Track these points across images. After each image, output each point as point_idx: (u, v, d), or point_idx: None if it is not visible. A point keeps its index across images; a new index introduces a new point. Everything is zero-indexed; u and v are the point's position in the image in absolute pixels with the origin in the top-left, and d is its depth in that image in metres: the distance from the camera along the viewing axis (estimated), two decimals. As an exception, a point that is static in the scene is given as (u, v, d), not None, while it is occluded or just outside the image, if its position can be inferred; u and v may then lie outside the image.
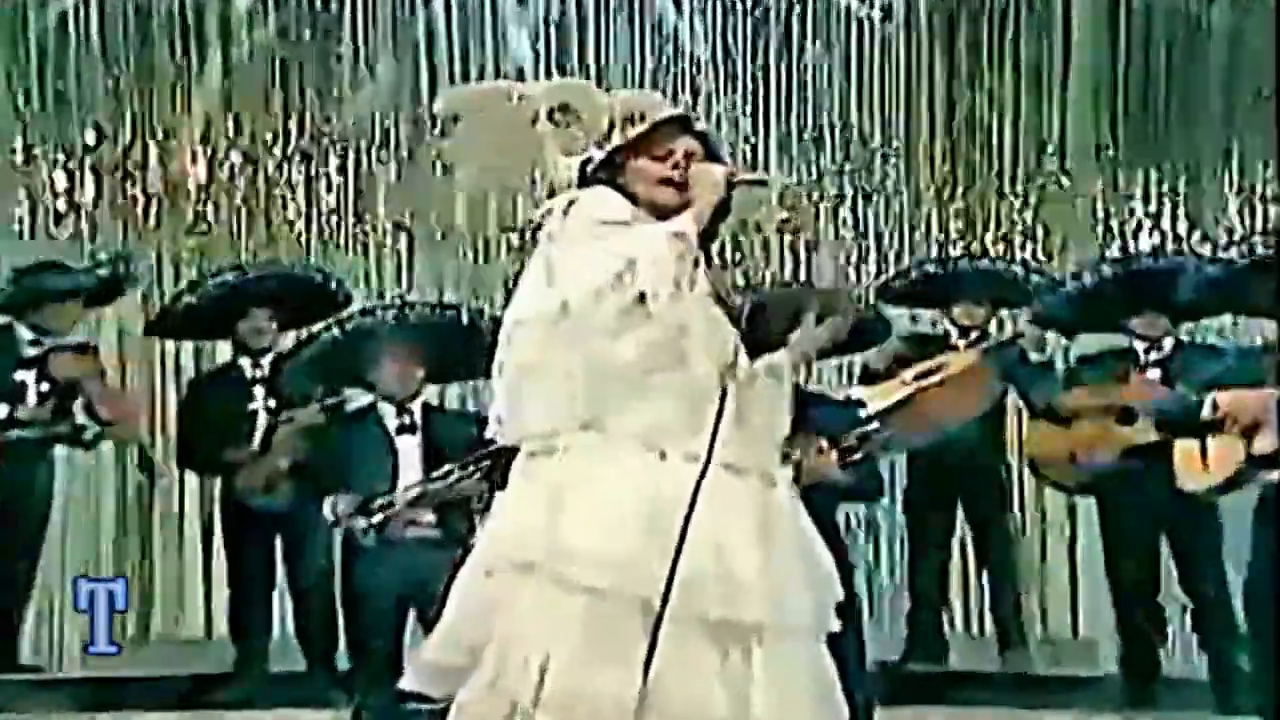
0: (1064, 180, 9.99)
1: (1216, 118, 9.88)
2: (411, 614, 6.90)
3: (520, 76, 9.32)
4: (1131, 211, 9.93)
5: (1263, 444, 6.50)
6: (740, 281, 7.33)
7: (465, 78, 9.64)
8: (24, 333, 8.14)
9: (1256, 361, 6.91)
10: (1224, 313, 8.33)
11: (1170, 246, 9.73)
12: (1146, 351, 7.87)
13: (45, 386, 8.10)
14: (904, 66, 10.04)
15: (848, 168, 10.04)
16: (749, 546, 4.06)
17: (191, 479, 9.21)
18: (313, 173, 9.86)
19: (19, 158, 9.60)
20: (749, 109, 10.00)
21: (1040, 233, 9.99)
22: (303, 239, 9.82)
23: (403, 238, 9.87)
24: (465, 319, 7.47)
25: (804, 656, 4.13)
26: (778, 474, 4.17)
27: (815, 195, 9.95)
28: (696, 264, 4.08)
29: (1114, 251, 9.59)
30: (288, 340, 8.34)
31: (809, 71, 10.04)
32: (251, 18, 9.77)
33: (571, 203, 4.15)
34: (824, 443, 6.37)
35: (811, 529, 4.22)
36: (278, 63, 9.84)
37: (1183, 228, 9.90)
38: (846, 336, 4.54)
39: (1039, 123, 10.01)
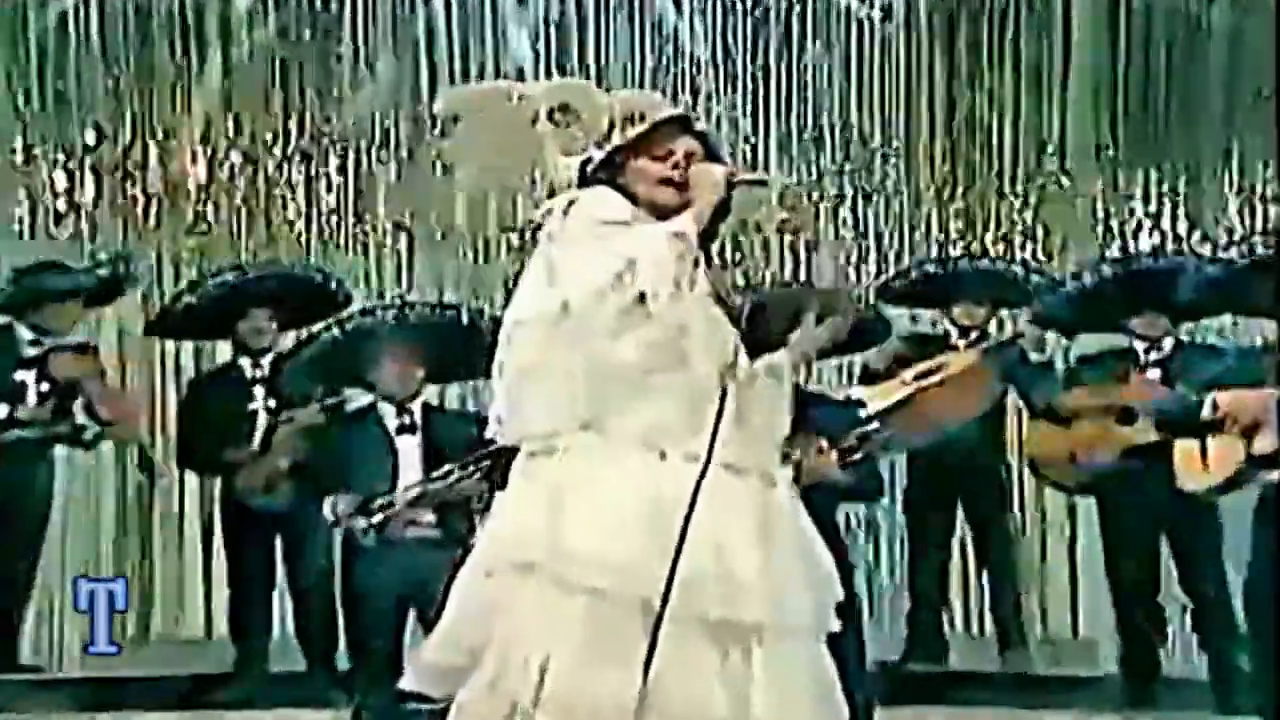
0: (1064, 180, 9.98)
1: (1216, 118, 9.87)
2: (411, 614, 6.90)
3: (520, 76, 9.32)
4: (1131, 211, 9.92)
5: (1263, 444, 6.49)
6: (740, 281, 7.30)
7: (465, 77, 9.63)
8: (24, 333, 8.13)
9: (1256, 361, 6.91)
10: (1224, 313, 8.32)
11: (1170, 246, 9.73)
12: (1146, 351, 7.86)
13: (45, 386, 8.09)
14: (904, 66, 10.03)
15: (848, 168, 10.04)
16: (749, 546, 4.06)
17: (191, 479, 9.21)
18: (313, 173, 9.85)
19: (19, 158, 9.60)
20: (749, 109, 9.99)
21: (1040, 233, 9.99)
22: (303, 239, 9.81)
23: (403, 238, 9.87)
24: (465, 319, 7.47)
25: (804, 656, 4.13)
26: (778, 474, 4.17)
27: (815, 195, 9.94)
28: (696, 264, 4.07)
29: (1114, 251, 9.58)
30: (288, 340, 8.34)
31: (809, 71, 10.03)
32: (251, 18, 9.76)
33: (572, 203, 4.14)
34: (824, 443, 6.36)
35: (811, 529, 4.22)
36: (278, 63, 9.83)
37: (1183, 228, 9.90)
38: (846, 336, 4.54)
39: (1039, 123, 10.00)
